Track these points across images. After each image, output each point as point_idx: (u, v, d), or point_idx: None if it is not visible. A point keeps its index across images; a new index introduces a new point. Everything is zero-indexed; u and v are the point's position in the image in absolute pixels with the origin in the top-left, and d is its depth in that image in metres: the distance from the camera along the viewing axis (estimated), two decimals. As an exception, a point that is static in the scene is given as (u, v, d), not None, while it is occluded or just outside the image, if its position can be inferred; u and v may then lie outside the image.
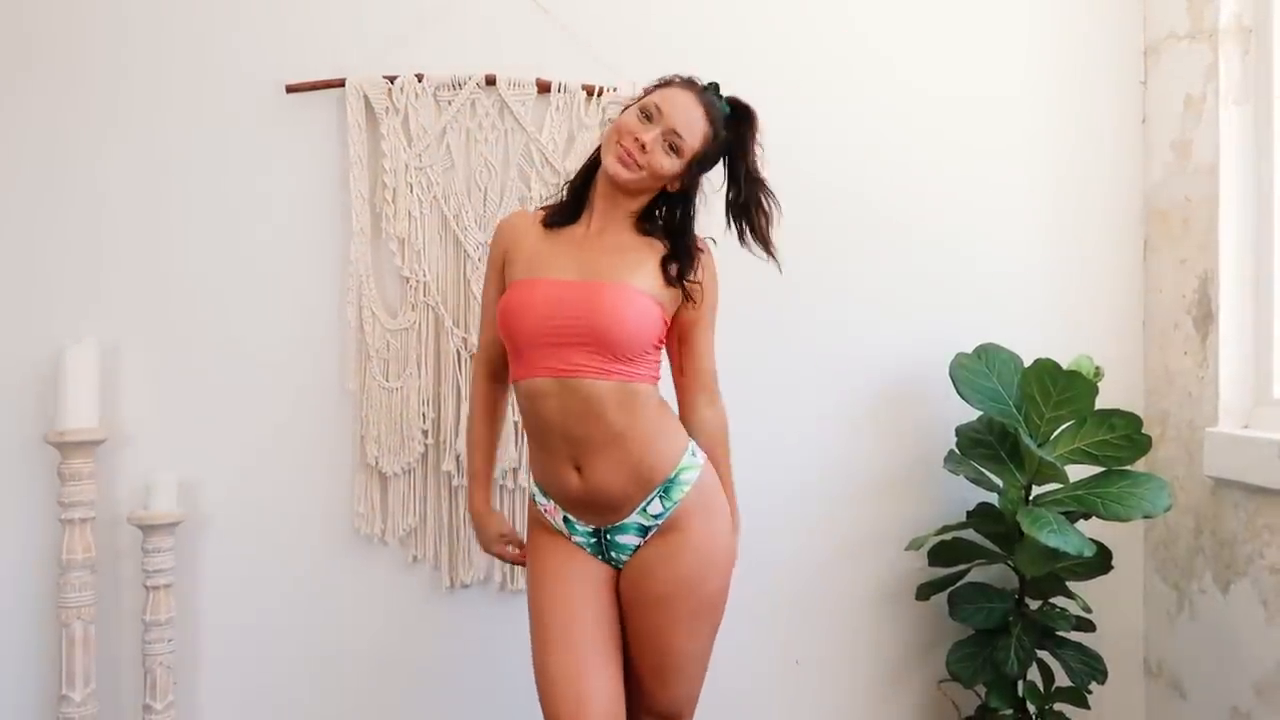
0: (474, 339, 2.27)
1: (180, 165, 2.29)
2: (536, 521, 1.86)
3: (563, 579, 1.79)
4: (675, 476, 1.77)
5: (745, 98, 2.40)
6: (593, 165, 1.85)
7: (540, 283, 1.76)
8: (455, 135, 2.30)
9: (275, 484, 2.31)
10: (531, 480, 1.87)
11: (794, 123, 2.39)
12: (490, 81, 2.30)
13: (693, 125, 1.76)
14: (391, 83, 2.28)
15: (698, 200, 1.85)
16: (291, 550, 2.32)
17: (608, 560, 1.81)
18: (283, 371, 2.31)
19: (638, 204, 1.82)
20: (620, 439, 1.73)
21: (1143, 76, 2.46)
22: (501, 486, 2.29)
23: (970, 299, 2.43)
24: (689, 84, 1.82)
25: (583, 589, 1.78)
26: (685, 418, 1.88)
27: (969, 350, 2.30)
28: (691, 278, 1.80)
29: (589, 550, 1.80)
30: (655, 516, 1.76)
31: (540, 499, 1.84)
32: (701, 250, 1.84)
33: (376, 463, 2.29)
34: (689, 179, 1.81)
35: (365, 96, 2.27)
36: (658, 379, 1.81)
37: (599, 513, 1.77)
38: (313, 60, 2.29)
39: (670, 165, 1.76)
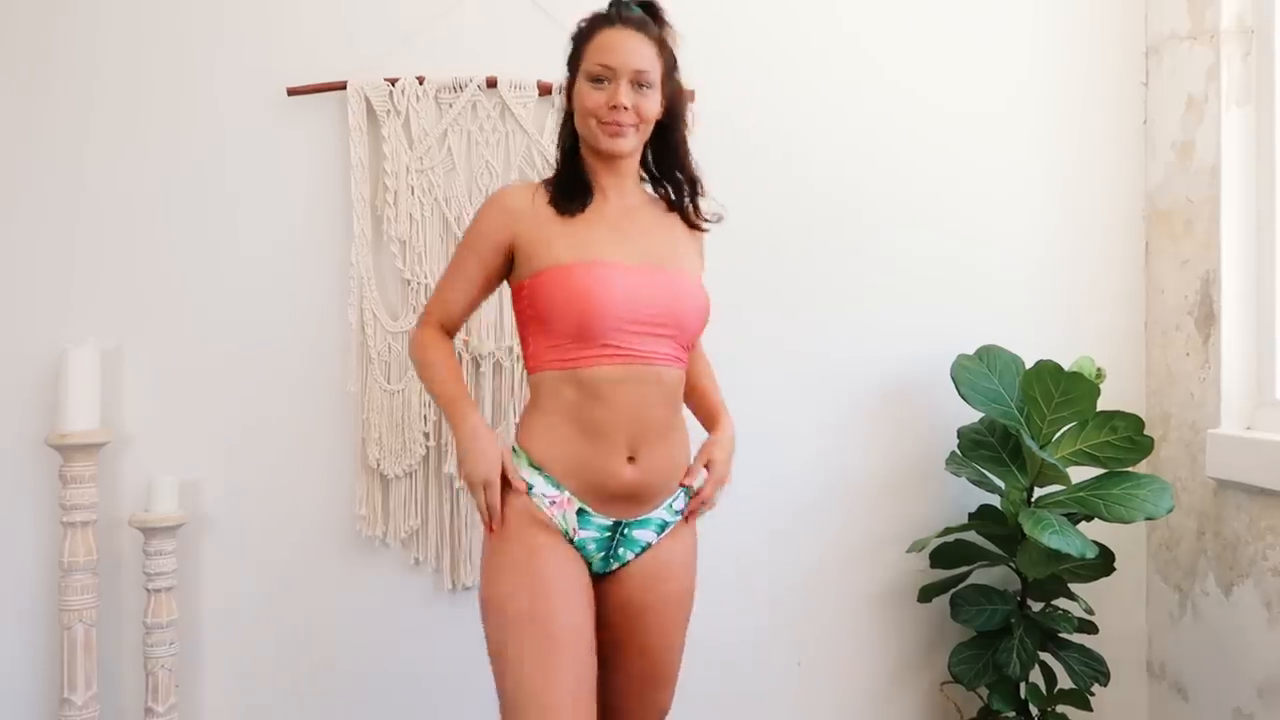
0: (475, 341, 2.28)
1: (181, 167, 2.30)
2: (526, 514, 1.67)
3: (563, 584, 1.63)
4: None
5: (745, 99, 2.42)
6: (574, 149, 1.76)
7: (608, 266, 1.65)
8: (457, 137, 2.31)
9: (277, 487, 2.31)
10: (532, 469, 1.68)
11: (794, 123, 2.40)
12: (492, 84, 2.30)
13: (643, 52, 1.66)
14: (393, 85, 2.28)
15: (687, 116, 1.78)
16: (293, 553, 2.32)
17: (604, 564, 1.71)
18: (284, 374, 2.31)
19: (636, 158, 1.76)
20: (674, 428, 1.73)
21: (1144, 77, 2.46)
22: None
23: (971, 300, 2.43)
24: (609, 20, 1.69)
25: (582, 597, 1.65)
26: (691, 362, 1.84)
27: (970, 352, 2.30)
28: (702, 215, 1.80)
29: (593, 548, 1.69)
30: (677, 512, 1.75)
31: (548, 489, 1.66)
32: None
33: (378, 465, 2.29)
34: (671, 97, 1.73)
35: (366, 99, 2.28)
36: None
37: (633, 505, 1.69)
38: (314, 63, 2.29)
39: (653, 102, 1.69)
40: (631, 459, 1.66)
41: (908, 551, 2.31)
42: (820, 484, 2.42)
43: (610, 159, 1.72)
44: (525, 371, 1.85)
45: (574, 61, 1.71)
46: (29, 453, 2.25)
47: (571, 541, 1.68)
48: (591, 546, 1.69)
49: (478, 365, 2.30)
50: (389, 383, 2.29)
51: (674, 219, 1.79)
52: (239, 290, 2.31)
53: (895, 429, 2.42)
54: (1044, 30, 2.45)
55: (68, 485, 2.16)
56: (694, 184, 1.79)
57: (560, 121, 1.78)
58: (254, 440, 2.31)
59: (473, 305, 1.79)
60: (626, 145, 1.68)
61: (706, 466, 1.78)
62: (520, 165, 2.31)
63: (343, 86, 2.28)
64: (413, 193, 2.29)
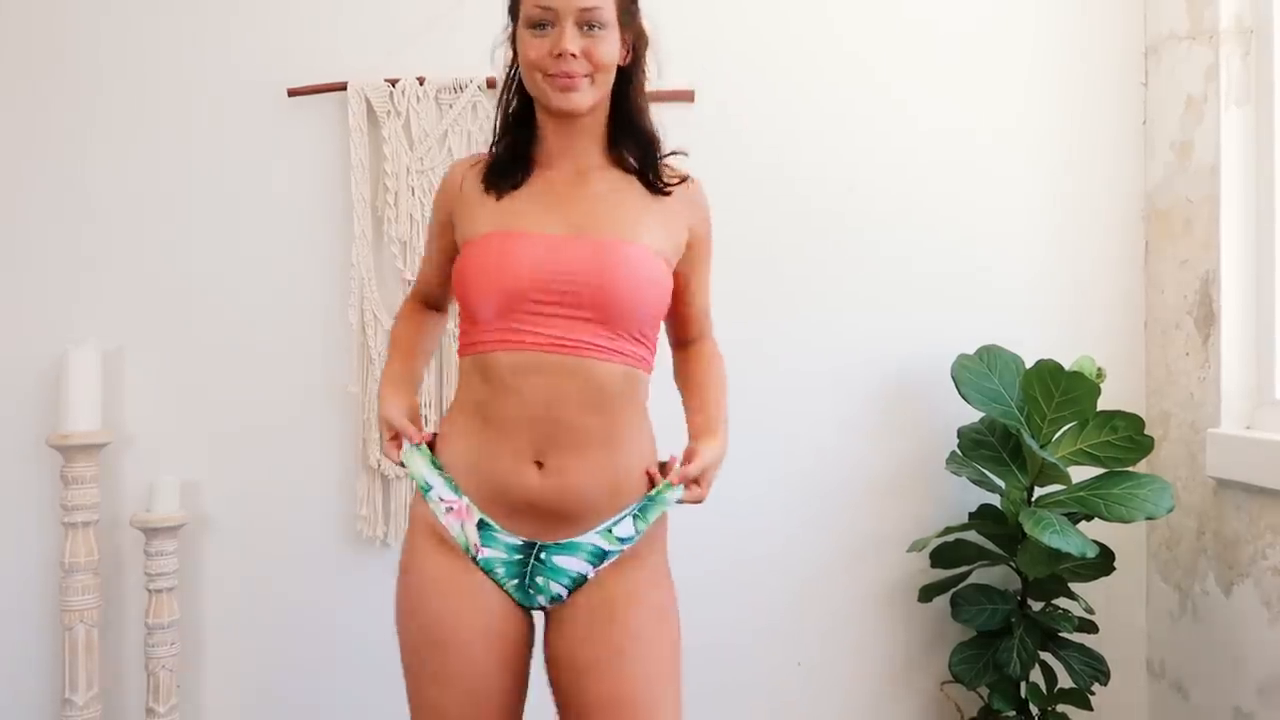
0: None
1: (182, 168, 2.30)
2: (424, 525, 1.44)
3: (459, 626, 1.38)
4: (658, 494, 1.46)
5: (744, 100, 2.41)
6: (518, 115, 1.51)
7: (519, 236, 1.41)
8: (457, 138, 2.31)
9: (278, 487, 2.31)
10: (427, 465, 1.46)
11: (794, 123, 2.40)
12: (492, 84, 2.30)
13: None
14: (393, 86, 2.28)
15: (646, 59, 1.52)
16: (294, 553, 2.32)
17: (523, 594, 1.43)
18: (285, 374, 2.31)
19: (600, 115, 1.48)
20: (609, 438, 1.41)
21: (1143, 77, 2.46)
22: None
23: (972, 300, 2.43)
24: None
25: (493, 634, 1.40)
26: (688, 362, 1.62)
27: (971, 351, 2.30)
28: (667, 179, 1.50)
29: (502, 572, 1.41)
30: (621, 540, 1.43)
31: (446, 492, 1.43)
32: (689, 179, 1.53)
33: (379, 466, 2.29)
34: (631, 38, 1.47)
35: (367, 99, 2.28)
36: (653, 367, 1.51)
37: (547, 523, 1.41)
38: (314, 63, 2.29)
39: (609, 45, 1.41)
40: (540, 464, 1.39)
41: (908, 551, 2.32)
42: (820, 484, 2.42)
43: (564, 118, 1.44)
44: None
45: (514, 6, 1.46)
46: (30, 453, 2.26)
47: (475, 560, 1.42)
48: (500, 570, 1.42)
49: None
50: (390, 383, 2.29)
51: (647, 196, 1.49)
52: (240, 291, 2.31)
53: (896, 429, 2.43)
54: (1043, 31, 2.45)
55: (69, 486, 2.17)
56: (654, 142, 1.50)
57: (503, 81, 1.52)
58: (255, 441, 2.31)
59: (444, 279, 1.58)
60: (582, 100, 1.41)
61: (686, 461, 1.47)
62: (520, 166, 2.31)
63: (343, 87, 2.28)
64: (413, 193, 2.29)
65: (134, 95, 2.29)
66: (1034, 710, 2.26)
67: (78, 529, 2.17)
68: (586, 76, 1.40)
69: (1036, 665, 2.23)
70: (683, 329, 1.64)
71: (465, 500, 1.42)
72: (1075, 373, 2.14)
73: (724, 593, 2.38)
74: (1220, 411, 2.21)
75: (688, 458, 1.48)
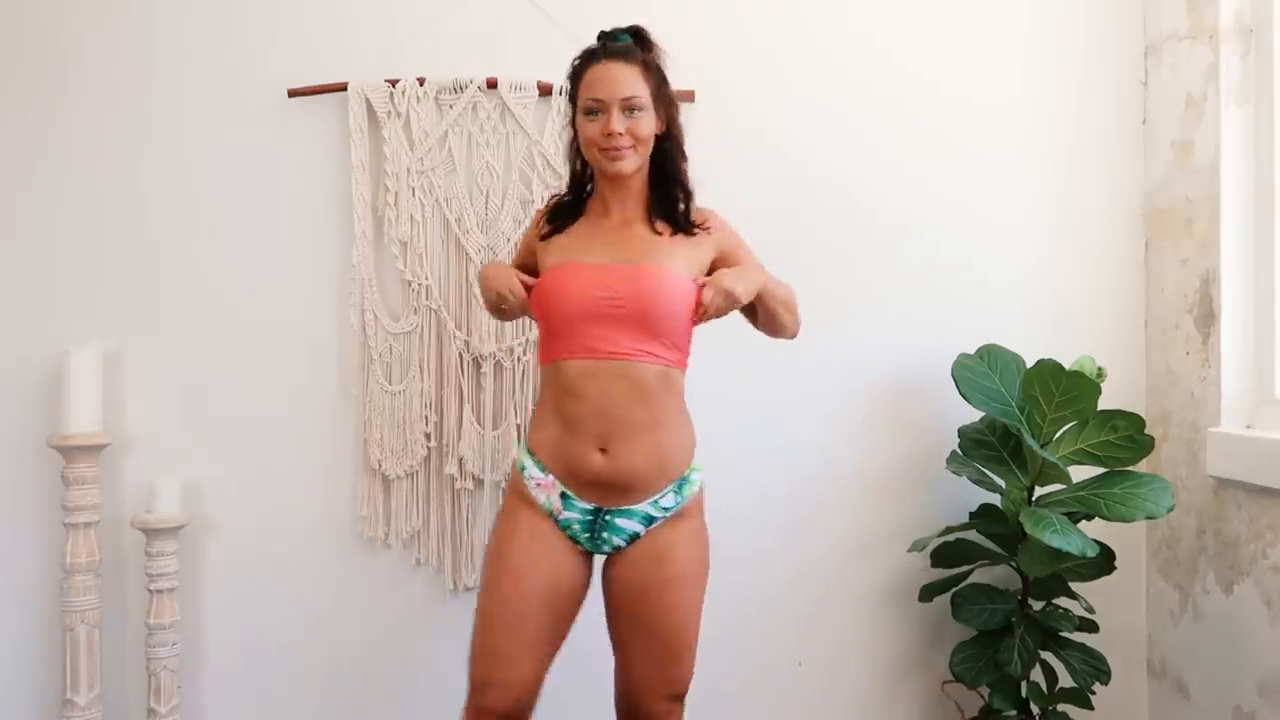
0: (475, 342, 2.29)
1: (182, 169, 2.30)
2: (517, 492, 1.86)
3: (530, 562, 1.79)
4: (689, 475, 1.85)
5: (744, 100, 2.42)
6: (581, 173, 1.93)
7: (578, 265, 1.82)
8: (457, 138, 2.31)
9: (278, 488, 2.31)
10: (524, 451, 1.86)
11: (794, 123, 2.40)
12: (492, 85, 2.30)
13: (631, 81, 1.81)
14: (393, 86, 2.28)
15: (679, 128, 1.90)
16: (295, 554, 2.32)
17: (593, 544, 1.84)
18: (286, 375, 2.31)
19: (642, 175, 1.88)
20: (654, 425, 1.80)
21: (1143, 76, 2.46)
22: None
23: (972, 300, 2.43)
24: (594, 56, 1.84)
25: (548, 575, 1.80)
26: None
27: (971, 351, 2.30)
28: (697, 222, 1.89)
29: (578, 528, 1.82)
30: (665, 509, 1.82)
31: (535, 472, 1.84)
32: (709, 218, 1.92)
33: (379, 466, 2.29)
34: (665, 114, 1.87)
35: (367, 100, 2.28)
36: (686, 366, 1.87)
37: (610, 494, 1.80)
38: (314, 64, 2.29)
39: (647, 123, 1.83)
40: (604, 450, 1.78)
41: (909, 551, 2.32)
42: (821, 483, 2.42)
43: (615, 179, 1.85)
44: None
45: (572, 97, 1.87)
46: (31, 454, 2.26)
47: (557, 520, 1.83)
48: (576, 527, 1.83)
49: (478, 365, 2.31)
50: (390, 383, 2.29)
51: (666, 228, 1.89)
52: (240, 292, 2.31)
53: (896, 428, 2.43)
54: (1043, 30, 2.45)
55: (70, 487, 2.17)
56: (688, 195, 1.90)
57: (568, 150, 1.94)
58: (256, 441, 2.31)
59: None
60: (627, 166, 1.83)
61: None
62: (521, 166, 2.31)
63: (343, 88, 2.28)
64: (413, 194, 2.29)
65: (135, 96, 2.29)
66: (1035, 709, 2.27)
67: (79, 530, 2.17)
68: (630, 148, 1.82)
69: (1037, 665, 2.23)
70: None
71: (550, 477, 1.83)
72: (1076, 372, 2.14)
73: (725, 592, 2.36)
74: (1220, 411, 2.22)
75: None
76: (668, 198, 1.89)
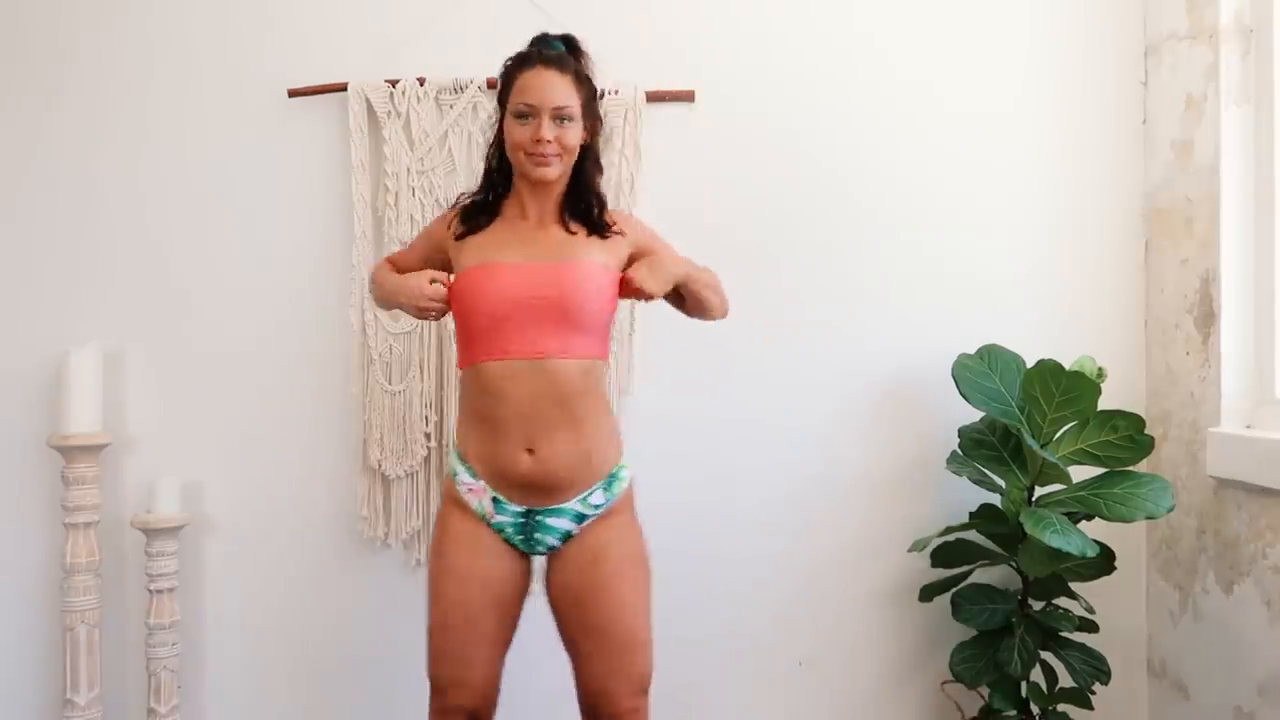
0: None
1: (183, 169, 2.30)
2: (451, 497, 1.87)
3: (471, 565, 1.81)
4: (617, 472, 1.86)
5: (744, 100, 2.42)
6: (497, 171, 1.92)
7: (497, 265, 1.81)
8: (457, 139, 2.31)
9: (278, 488, 2.31)
10: (455, 458, 1.86)
11: (794, 123, 2.40)
12: (492, 85, 2.29)
13: (564, 91, 1.81)
14: (393, 86, 2.28)
15: (599, 140, 1.93)
16: (295, 553, 2.32)
17: (528, 545, 1.84)
18: (286, 375, 2.31)
19: (563, 183, 1.89)
20: (579, 422, 1.81)
21: (1143, 77, 2.46)
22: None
23: (972, 300, 2.43)
24: (529, 61, 1.84)
25: (489, 577, 1.82)
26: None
27: (971, 351, 2.30)
28: (610, 225, 1.89)
29: (511, 531, 1.83)
30: (595, 506, 1.83)
31: (466, 478, 1.84)
32: (619, 220, 1.93)
33: (379, 466, 2.29)
34: (591, 125, 1.88)
35: (367, 100, 2.28)
36: (608, 359, 1.92)
37: (538, 495, 1.81)
38: (314, 64, 2.29)
39: (575, 133, 1.84)
40: (530, 450, 1.79)
41: (909, 551, 2.32)
42: (821, 483, 2.42)
43: (537, 184, 1.86)
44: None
45: (502, 99, 1.86)
46: (31, 454, 2.26)
47: (490, 524, 1.83)
48: (509, 530, 1.84)
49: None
50: (390, 384, 2.29)
51: (581, 229, 1.89)
52: (240, 292, 2.31)
53: (896, 428, 2.43)
54: (1043, 30, 2.45)
55: (70, 487, 2.17)
56: (602, 202, 1.93)
57: (488, 149, 1.94)
58: (255, 441, 2.31)
59: (416, 269, 1.92)
60: (552, 173, 1.84)
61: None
62: (521, 166, 2.31)
63: (343, 88, 2.28)
64: (414, 194, 2.29)
65: (135, 96, 2.30)
66: (1035, 709, 2.27)
67: (79, 530, 2.17)
68: (557, 155, 1.82)
69: (1037, 665, 2.23)
70: None
71: (481, 483, 1.83)
72: (1076, 372, 2.14)
73: (725, 592, 2.38)
74: (1220, 411, 2.22)
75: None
76: (582, 202, 1.90)
